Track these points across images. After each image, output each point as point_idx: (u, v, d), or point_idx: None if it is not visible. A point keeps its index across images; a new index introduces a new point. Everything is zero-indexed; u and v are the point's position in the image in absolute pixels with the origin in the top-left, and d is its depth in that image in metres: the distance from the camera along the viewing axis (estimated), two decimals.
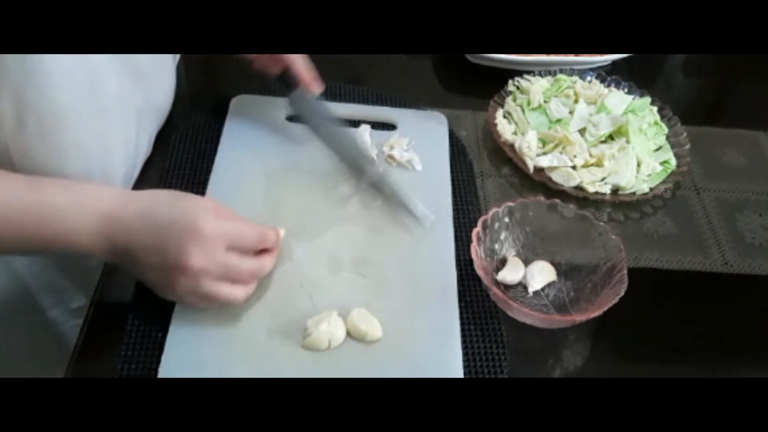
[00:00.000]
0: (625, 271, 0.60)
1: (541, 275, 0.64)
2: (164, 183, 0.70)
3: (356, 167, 0.68)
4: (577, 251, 0.65)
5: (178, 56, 0.82)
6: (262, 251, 0.57)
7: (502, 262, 0.65)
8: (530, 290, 0.63)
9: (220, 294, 0.54)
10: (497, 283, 0.62)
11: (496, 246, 0.65)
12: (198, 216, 0.53)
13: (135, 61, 0.64)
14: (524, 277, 0.64)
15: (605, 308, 0.57)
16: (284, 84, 0.71)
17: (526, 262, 0.66)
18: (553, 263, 0.66)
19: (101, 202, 0.54)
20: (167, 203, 0.55)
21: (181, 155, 0.73)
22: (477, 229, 0.62)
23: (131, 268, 0.55)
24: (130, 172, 0.68)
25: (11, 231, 0.52)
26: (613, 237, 0.63)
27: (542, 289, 0.64)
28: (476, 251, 0.61)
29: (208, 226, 0.53)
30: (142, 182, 0.70)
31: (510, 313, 0.60)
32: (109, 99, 0.61)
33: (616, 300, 0.57)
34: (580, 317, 0.58)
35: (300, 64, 0.70)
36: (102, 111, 0.60)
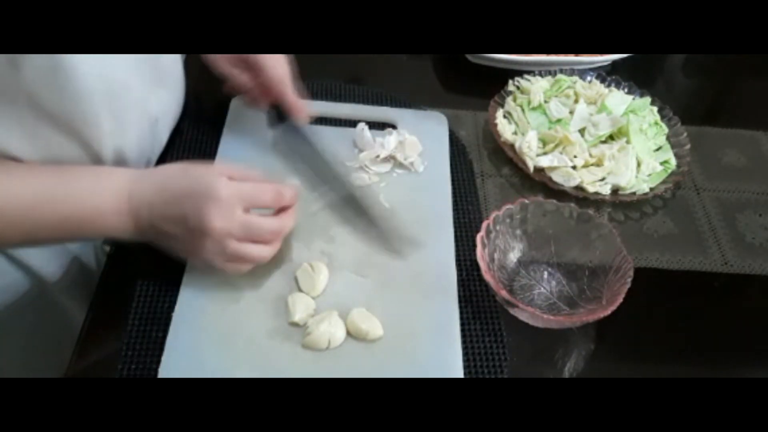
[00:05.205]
0: (631, 272, 0.59)
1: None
2: None
3: (344, 201, 0.66)
4: (579, 251, 0.65)
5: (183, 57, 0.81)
6: (280, 210, 0.58)
7: (505, 264, 0.65)
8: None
9: (246, 253, 0.56)
10: (504, 286, 0.62)
11: (498, 248, 0.65)
12: (212, 180, 0.55)
13: (157, 64, 0.63)
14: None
15: (613, 307, 0.57)
16: (274, 117, 0.69)
17: (527, 263, 0.66)
18: (555, 264, 0.66)
19: (120, 182, 0.56)
20: (181, 173, 0.57)
21: (181, 156, 0.73)
22: (481, 234, 0.62)
23: (158, 242, 0.57)
24: None
25: (43, 220, 0.54)
26: (617, 237, 0.62)
27: (548, 290, 0.64)
28: (482, 256, 0.61)
29: (223, 188, 0.54)
30: None
31: (512, 312, 0.60)
32: (130, 107, 0.61)
33: (620, 300, 0.57)
34: (587, 317, 0.58)
35: (290, 96, 0.67)
36: (121, 120, 0.60)
